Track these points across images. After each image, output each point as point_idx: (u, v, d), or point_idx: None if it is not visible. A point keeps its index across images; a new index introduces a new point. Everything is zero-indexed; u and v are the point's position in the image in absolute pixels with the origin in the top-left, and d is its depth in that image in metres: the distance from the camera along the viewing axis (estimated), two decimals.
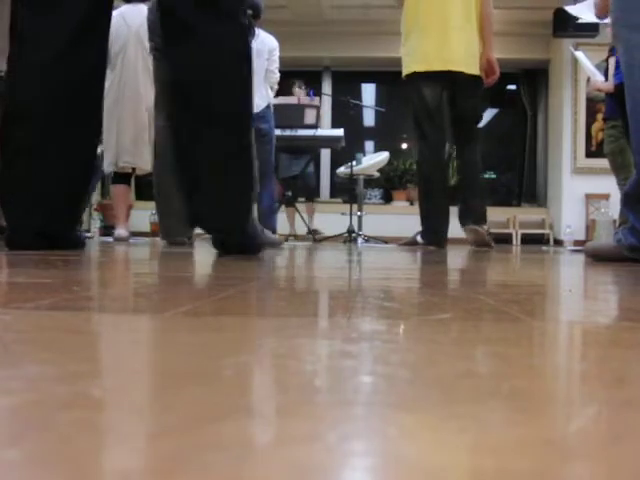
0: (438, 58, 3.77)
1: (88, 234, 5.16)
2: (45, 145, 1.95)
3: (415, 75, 3.81)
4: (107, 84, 4.33)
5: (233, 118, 1.93)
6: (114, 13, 4.19)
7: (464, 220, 3.93)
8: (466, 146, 3.95)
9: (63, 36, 1.94)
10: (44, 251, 1.91)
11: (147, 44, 3.66)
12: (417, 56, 3.82)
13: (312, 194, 6.60)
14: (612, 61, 4.77)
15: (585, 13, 4.47)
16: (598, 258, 2.24)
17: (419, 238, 4.03)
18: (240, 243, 1.94)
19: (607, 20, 4.55)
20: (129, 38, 4.14)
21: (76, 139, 2.00)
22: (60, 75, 1.94)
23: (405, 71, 3.90)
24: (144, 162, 4.20)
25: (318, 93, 6.41)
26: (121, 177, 4.40)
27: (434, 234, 3.89)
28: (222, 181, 1.91)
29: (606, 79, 4.89)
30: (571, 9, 4.82)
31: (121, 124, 4.18)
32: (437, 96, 3.84)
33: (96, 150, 2.22)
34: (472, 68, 3.84)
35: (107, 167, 4.35)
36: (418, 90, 3.83)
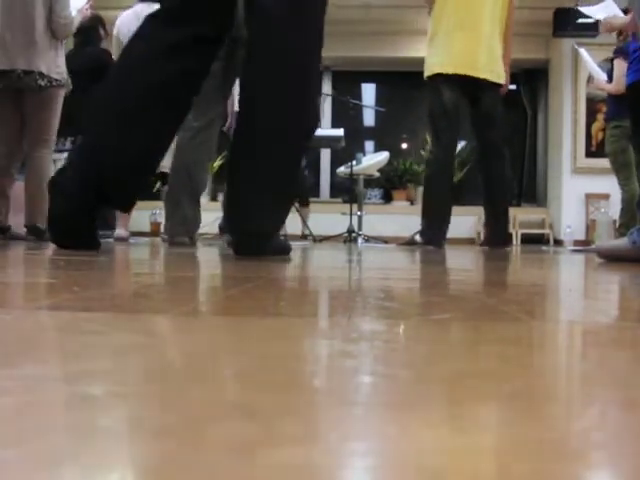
0: (464, 63, 3.78)
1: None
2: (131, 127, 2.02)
3: (438, 76, 3.81)
4: None
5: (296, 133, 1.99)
6: (128, 12, 4.19)
7: (492, 244, 3.91)
8: (493, 161, 3.93)
9: (178, 41, 2.01)
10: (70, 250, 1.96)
11: None
12: (443, 58, 3.81)
13: (307, 196, 6.51)
14: (619, 62, 4.76)
15: (598, 14, 4.55)
16: (612, 259, 2.22)
17: (418, 237, 4.02)
18: (274, 247, 2.00)
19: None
20: None
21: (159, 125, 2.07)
22: (162, 67, 2.00)
23: (428, 72, 3.88)
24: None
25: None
26: None
27: (433, 233, 3.88)
28: (272, 190, 1.96)
29: (610, 80, 4.88)
30: (585, 10, 4.89)
31: None
32: (456, 99, 3.85)
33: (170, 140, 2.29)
34: (495, 75, 3.87)
35: None
36: (439, 92, 3.82)
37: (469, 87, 3.81)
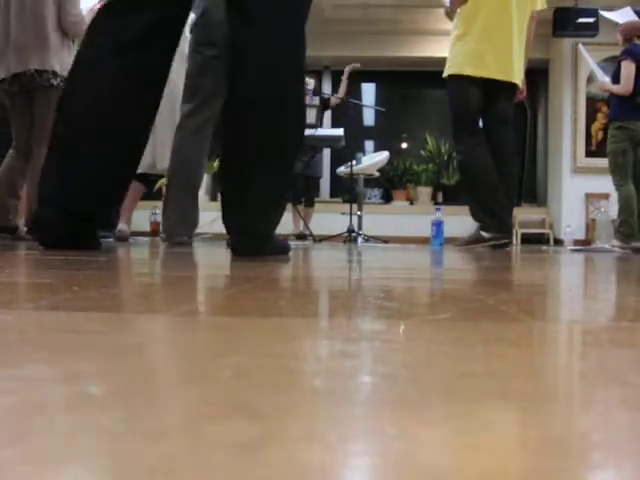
0: (499, 68, 3.83)
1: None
2: (91, 136, 1.95)
3: (464, 77, 3.84)
4: None
5: (289, 136, 2.00)
6: None
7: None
8: (502, 163, 3.90)
9: (130, 35, 1.96)
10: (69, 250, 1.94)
11: (186, 48, 3.53)
12: (472, 59, 3.83)
13: (313, 196, 6.52)
14: (627, 64, 4.77)
15: (618, 18, 4.67)
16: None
17: (484, 233, 3.90)
18: (273, 247, 2.01)
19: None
20: None
21: (125, 130, 2.01)
22: (117, 67, 1.95)
23: (453, 71, 3.89)
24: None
25: (318, 93, 6.41)
26: (141, 175, 4.22)
27: (502, 224, 3.83)
28: (268, 189, 1.96)
29: (617, 81, 4.88)
30: (606, 14, 4.99)
31: (159, 122, 3.97)
32: (479, 99, 3.89)
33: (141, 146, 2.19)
34: (519, 79, 3.95)
35: (145, 167, 4.05)
36: (464, 91, 3.84)
37: (489, 88, 3.85)
